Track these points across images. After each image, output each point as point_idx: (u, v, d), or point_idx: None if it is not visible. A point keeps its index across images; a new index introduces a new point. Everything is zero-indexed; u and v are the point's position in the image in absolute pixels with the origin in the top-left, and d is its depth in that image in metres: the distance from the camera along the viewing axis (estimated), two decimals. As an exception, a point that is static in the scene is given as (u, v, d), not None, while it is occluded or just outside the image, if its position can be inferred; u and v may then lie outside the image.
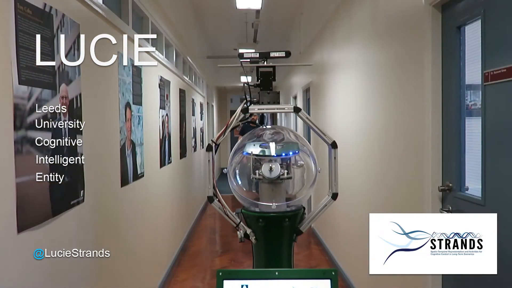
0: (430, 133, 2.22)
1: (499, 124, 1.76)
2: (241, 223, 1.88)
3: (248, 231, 1.86)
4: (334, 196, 1.98)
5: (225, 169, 2.02)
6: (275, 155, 1.87)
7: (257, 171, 1.87)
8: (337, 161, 1.98)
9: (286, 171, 1.87)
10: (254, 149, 1.89)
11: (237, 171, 1.97)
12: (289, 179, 1.89)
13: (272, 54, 1.96)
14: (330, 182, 1.99)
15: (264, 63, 1.97)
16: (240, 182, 1.97)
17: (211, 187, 1.89)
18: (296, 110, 1.91)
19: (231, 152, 2.03)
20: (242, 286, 1.37)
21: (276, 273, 1.39)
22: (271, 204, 1.86)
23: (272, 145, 1.89)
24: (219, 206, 1.90)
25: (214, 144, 1.89)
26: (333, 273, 1.40)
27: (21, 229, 1.55)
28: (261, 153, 1.87)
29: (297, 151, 1.93)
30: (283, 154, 1.89)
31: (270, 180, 1.85)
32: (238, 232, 1.88)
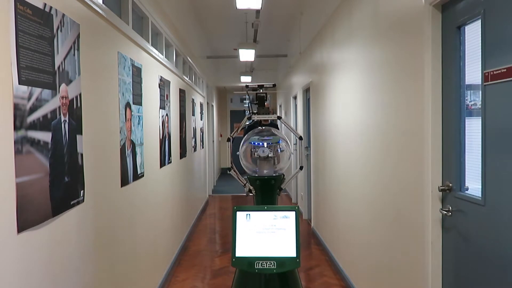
0: (430, 133, 2.22)
1: (499, 124, 1.76)
2: (247, 183, 2.97)
3: (251, 187, 2.94)
4: (301, 168, 3.22)
5: (237, 152, 3.11)
6: (266, 143, 3.06)
7: (256, 153, 3.03)
8: (302, 147, 3.32)
9: (272, 153, 3.04)
10: (255, 140, 3.07)
11: (245, 153, 3.11)
12: (274, 157, 3.06)
13: (265, 85, 3.18)
14: (299, 160, 3.41)
15: (260, 90, 3.13)
16: (247, 159, 3.09)
17: (229, 162, 3.03)
18: (279, 118, 3.09)
19: (241, 143, 3.13)
20: (246, 214, 2.49)
21: (265, 208, 2.53)
22: (264, 171, 3.04)
23: (267, 137, 3.10)
24: (234, 174, 3.05)
25: (231, 138, 3.08)
26: (296, 207, 2.52)
27: (21, 229, 1.55)
28: (259, 143, 3.07)
29: (279, 141, 3.10)
30: (270, 143, 3.04)
31: (263, 158, 3.02)
32: (245, 188, 2.98)
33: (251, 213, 2.51)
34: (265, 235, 2.47)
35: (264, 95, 3.13)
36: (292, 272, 2.58)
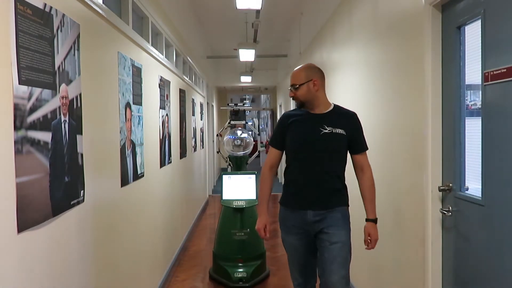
0: (430, 133, 2.22)
1: (499, 124, 1.76)
2: (228, 160, 4.91)
3: (230, 162, 4.84)
4: (259, 152, 6.78)
5: (222, 142, 5.10)
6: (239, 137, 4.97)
7: (234, 142, 4.88)
8: (259, 138, 6.69)
9: (243, 142, 4.89)
10: (233, 135, 4.94)
11: (227, 142, 4.94)
12: (243, 145, 4.89)
13: (238, 104, 6.59)
14: (258, 146, 6.61)
15: (238, 105, 6.21)
16: (228, 147, 4.93)
17: (218, 149, 5.55)
18: (246, 123, 5.65)
19: (223, 137, 5.06)
20: (228, 176, 4.32)
21: (238, 172, 4.44)
22: (238, 152, 4.86)
23: (239, 133, 4.98)
24: (221, 154, 5.42)
25: (218, 134, 5.54)
26: (255, 172, 4.30)
27: (21, 229, 1.55)
28: (235, 136, 4.93)
29: (245, 136, 4.92)
30: (241, 137, 4.94)
31: (237, 145, 4.87)
32: (226, 163, 4.96)
33: (231, 175, 4.30)
34: (239, 187, 4.23)
35: (239, 109, 5.63)
36: (252, 208, 4.25)
